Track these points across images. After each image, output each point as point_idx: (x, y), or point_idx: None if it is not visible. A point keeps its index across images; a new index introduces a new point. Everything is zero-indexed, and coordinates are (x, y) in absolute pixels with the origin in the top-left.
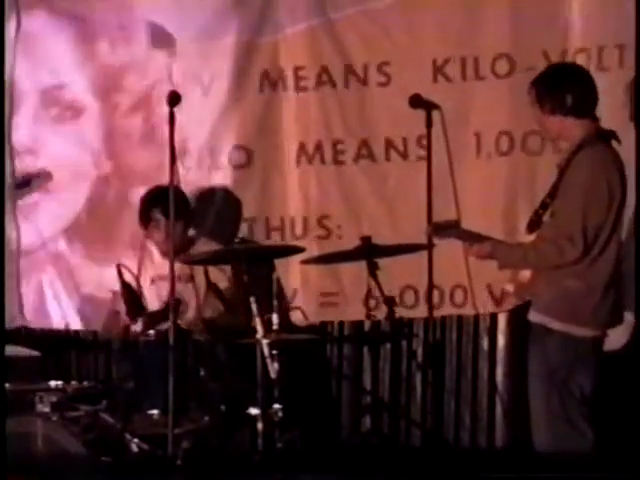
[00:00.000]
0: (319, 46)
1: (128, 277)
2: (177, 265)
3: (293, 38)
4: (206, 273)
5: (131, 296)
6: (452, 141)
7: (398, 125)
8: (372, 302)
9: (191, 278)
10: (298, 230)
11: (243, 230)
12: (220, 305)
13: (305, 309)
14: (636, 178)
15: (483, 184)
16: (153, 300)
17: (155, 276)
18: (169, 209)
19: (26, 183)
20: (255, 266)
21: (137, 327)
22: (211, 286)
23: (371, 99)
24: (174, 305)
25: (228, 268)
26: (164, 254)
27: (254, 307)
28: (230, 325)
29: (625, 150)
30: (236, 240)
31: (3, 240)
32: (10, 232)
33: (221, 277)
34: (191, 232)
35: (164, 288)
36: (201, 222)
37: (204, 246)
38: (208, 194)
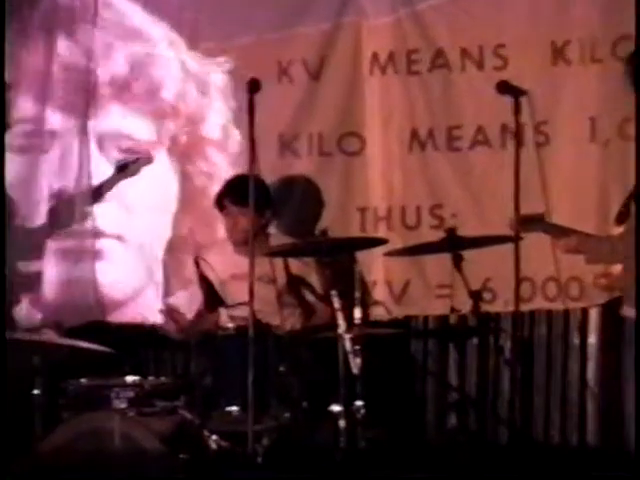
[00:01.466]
0: (433, 27)
1: (206, 270)
2: (257, 265)
3: (405, 19)
4: (287, 268)
5: (209, 289)
6: (564, 127)
7: (485, 112)
8: (457, 296)
9: (272, 281)
10: (381, 221)
11: (324, 220)
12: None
13: (387, 303)
14: (636, 176)
15: (574, 172)
16: (228, 297)
17: (230, 275)
18: (240, 198)
19: (124, 167)
20: (336, 259)
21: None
22: (294, 280)
23: (458, 85)
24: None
25: (312, 262)
26: (234, 243)
27: (336, 301)
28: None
29: None
30: (316, 232)
31: (4, 239)
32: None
33: (307, 271)
34: (265, 221)
35: (240, 289)
36: (279, 213)
37: (281, 240)
38: (288, 183)
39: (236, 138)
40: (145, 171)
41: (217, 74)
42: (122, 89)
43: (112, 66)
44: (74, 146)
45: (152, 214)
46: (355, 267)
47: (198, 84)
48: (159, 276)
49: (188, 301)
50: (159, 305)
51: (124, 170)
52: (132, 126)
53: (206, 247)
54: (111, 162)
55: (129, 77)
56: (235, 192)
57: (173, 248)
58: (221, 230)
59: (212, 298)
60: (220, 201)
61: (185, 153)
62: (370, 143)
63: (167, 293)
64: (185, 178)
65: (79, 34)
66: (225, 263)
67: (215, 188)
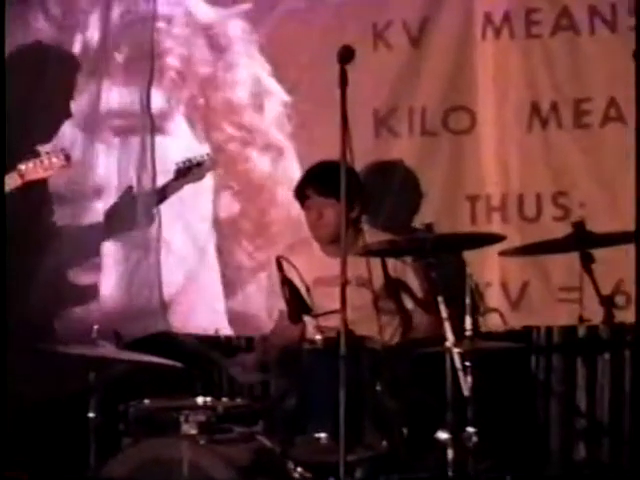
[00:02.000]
0: None
1: (290, 273)
2: (349, 266)
3: None
4: (384, 270)
5: (293, 294)
6: None
7: (619, 83)
8: (586, 303)
9: (368, 283)
10: (495, 212)
11: (427, 212)
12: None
13: (503, 310)
14: (636, 173)
15: None
16: (315, 305)
17: (316, 279)
18: (325, 186)
19: (186, 171)
20: (443, 258)
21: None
22: (393, 283)
23: (586, 50)
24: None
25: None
26: (320, 240)
27: (442, 308)
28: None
29: None
30: (419, 226)
31: (4, 239)
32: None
33: (408, 273)
34: (355, 215)
35: (328, 295)
36: (371, 204)
37: (376, 236)
38: (382, 168)
39: (278, 96)
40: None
41: (237, 22)
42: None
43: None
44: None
45: (188, 196)
46: (465, 268)
47: (211, 40)
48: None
49: (264, 306)
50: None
51: (186, 174)
52: (125, 100)
53: (289, 246)
54: (105, 144)
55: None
56: (320, 179)
57: (225, 234)
58: (298, 224)
59: (297, 306)
60: (301, 191)
61: (208, 119)
62: (482, 120)
63: (229, 292)
64: (215, 147)
65: None
66: (310, 264)
67: (255, 155)
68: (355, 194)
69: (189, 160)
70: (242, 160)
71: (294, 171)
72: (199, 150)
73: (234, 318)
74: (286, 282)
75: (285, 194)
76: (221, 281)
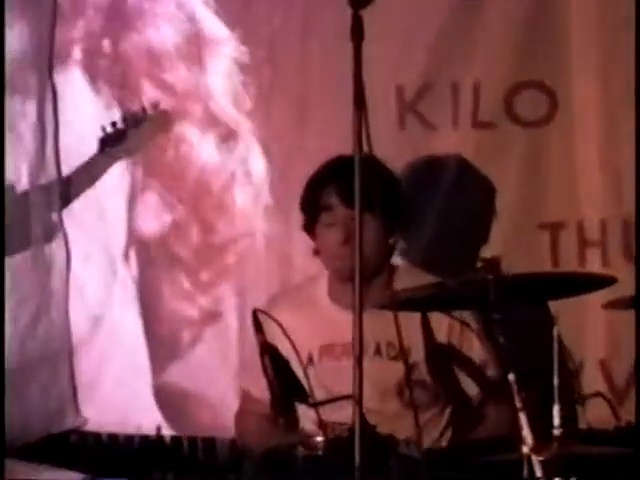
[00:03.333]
0: None
1: (274, 333)
2: (371, 324)
3: None
4: (427, 332)
5: (280, 370)
6: None
7: None
8: None
9: (400, 356)
10: (592, 247)
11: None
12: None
13: (612, 398)
14: (636, 172)
15: None
16: (316, 388)
17: (320, 347)
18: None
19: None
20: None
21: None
22: (441, 354)
23: None
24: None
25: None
26: (340, 277)
27: (517, 396)
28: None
29: None
30: (479, 264)
31: (3, 239)
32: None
33: (465, 337)
34: (394, 241)
35: (337, 372)
36: (414, 224)
37: (416, 277)
38: (422, 169)
39: (227, 47)
40: None
41: None
42: None
43: None
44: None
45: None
46: (552, 329)
47: None
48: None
49: (219, 386)
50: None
51: (118, 141)
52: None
53: (273, 298)
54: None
55: None
56: (349, 181)
57: (147, 263)
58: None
59: (285, 389)
60: (315, 199)
61: (116, 73)
62: (568, 103)
63: (158, 361)
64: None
65: None
66: (311, 322)
67: (192, 136)
68: (395, 209)
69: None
70: (173, 143)
71: (255, 164)
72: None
73: (169, 405)
74: (268, 351)
75: (245, 199)
76: (145, 342)
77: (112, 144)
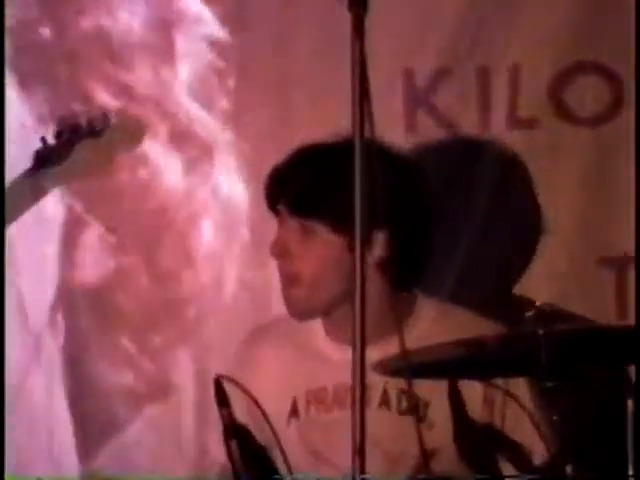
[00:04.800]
0: None
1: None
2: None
3: None
4: (454, 395)
5: (247, 450)
6: None
7: None
8: None
9: (414, 410)
10: None
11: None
12: None
13: None
14: (636, 169)
15: None
16: (298, 460)
17: (311, 391)
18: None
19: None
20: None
21: None
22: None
23: None
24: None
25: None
26: (293, 313)
27: None
28: None
29: None
30: (527, 314)
31: (3, 241)
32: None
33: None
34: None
35: (326, 430)
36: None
37: (438, 318)
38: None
39: (203, 26)
40: None
41: None
42: None
43: None
44: None
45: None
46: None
47: None
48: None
49: None
50: None
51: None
52: None
53: (246, 340)
54: None
55: None
56: (303, 176)
57: (80, 319)
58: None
59: (252, 464)
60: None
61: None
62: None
63: (85, 445)
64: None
65: None
66: (295, 360)
67: (152, 153)
68: (411, 210)
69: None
70: (125, 163)
71: (231, 189)
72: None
73: None
74: (235, 434)
75: (219, 236)
76: (71, 421)
77: (50, 163)
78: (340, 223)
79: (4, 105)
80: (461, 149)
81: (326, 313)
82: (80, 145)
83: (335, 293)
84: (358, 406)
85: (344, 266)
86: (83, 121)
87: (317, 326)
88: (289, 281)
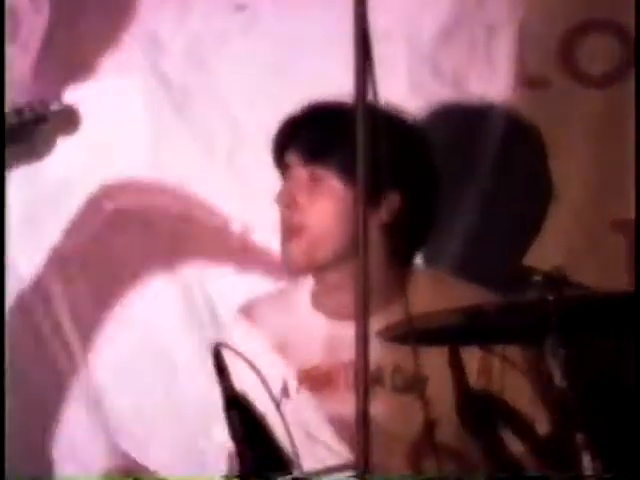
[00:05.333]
0: None
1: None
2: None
3: None
4: (456, 362)
5: (251, 430)
6: None
7: None
8: None
9: (418, 384)
10: None
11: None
12: None
13: None
14: (636, 166)
15: None
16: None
17: (303, 374)
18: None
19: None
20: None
21: None
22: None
23: None
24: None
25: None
26: (291, 268)
27: (588, 459)
28: None
29: None
30: (535, 278)
31: (3, 242)
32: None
33: (514, 379)
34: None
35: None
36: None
37: (441, 286)
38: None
39: None
40: None
41: None
42: None
43: None
44: None
45: None
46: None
47: None
48: None
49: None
50: None
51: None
52: None
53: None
54: None
55: None
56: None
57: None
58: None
59: (262, 454)
60: (279, 154)
61: None
62: None
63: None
64: None
65: None
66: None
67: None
68: (421, 174)
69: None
70: None
71: None
72: None
73: None
74: (235, 402)
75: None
76: None
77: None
78: (351, 175)
79: (4, 105)
80: (467, 112)
81: (322, 272)
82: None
83: (336, 248)
84: (362, 396)
85: (349, 221)
86: (26, 107)
87: (304, 300)
88: (291, 232)
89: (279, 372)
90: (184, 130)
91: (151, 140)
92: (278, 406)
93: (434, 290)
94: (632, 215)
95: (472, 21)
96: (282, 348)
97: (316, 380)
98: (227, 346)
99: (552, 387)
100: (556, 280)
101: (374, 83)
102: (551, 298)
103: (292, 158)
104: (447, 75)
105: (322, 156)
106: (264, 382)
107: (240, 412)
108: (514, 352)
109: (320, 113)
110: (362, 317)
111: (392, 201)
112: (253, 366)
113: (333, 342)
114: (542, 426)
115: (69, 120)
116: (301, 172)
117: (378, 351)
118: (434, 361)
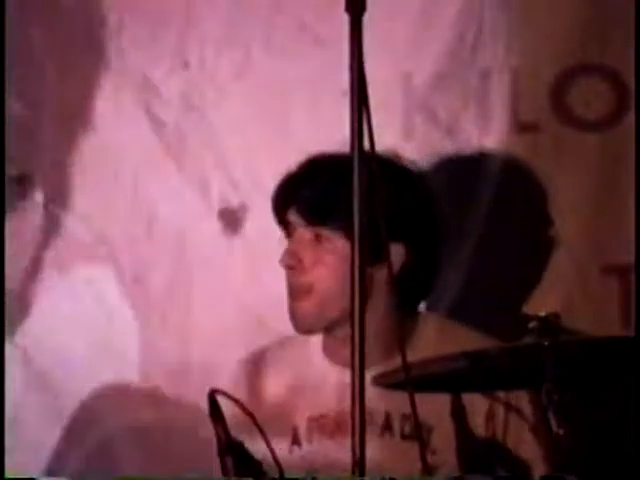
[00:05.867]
0: None
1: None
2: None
3: None
4: (457, 410)
5: (242, 467)
6: None
7: None
8: None
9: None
10: None
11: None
12: None
13: None
14: (636, 172)
15: None
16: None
17: (310, 420)
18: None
19: None
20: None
21: None
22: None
23: None
24: None
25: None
26: (297, 326)
27: None
28: None
29: None
30: (531, 324)
31: (3, 242)
32: None
33: (516, 427)
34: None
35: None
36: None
37: (442, 331)
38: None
39: None
40: None
41: None
42: None
43: None
44: None
45: None
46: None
47: None
48: None
49: None
50: None
51: None
52: None
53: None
54: None
55: None
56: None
57: None
58: None
59: None
60: (281, 212)
61: None
62: None
63: None
64: None
65: None
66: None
67: None
68: (427, 229)
69: None
70: None
71: None
72: None
73: None
74: (229, 447)
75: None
76: None
77: None
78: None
79: (4, 105)
80: (463, 160)
81: (331, 328)
82: None
83: (344, 307)
84: (357, 431)
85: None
86: None
87: (315, 348)
88: (299, 293)
89: (290, 418)
90: None
91: None
92: (273, 452)
93: (439, 334)
94: (628, 260)
95: (466, 67)
96: (294, 394)
97: (327, 427)
98: (224, 393)
99: (549, 431)
100: (551, 326)
101: (371, 130)
102: (546, 343)
103: (294, 218)
104: (442, 121)
105: (324, 217)
106: (261, 430)
107: (235, 459)
108: (520, 397)
109: (319, 168)
110: (359, 367)
111: (396, 254)
112: (249, 413)
113: (345, 390)
114: (538, 469)
115: None
116: (305, 232)
117: (387, 398)
118: (441, 412)
